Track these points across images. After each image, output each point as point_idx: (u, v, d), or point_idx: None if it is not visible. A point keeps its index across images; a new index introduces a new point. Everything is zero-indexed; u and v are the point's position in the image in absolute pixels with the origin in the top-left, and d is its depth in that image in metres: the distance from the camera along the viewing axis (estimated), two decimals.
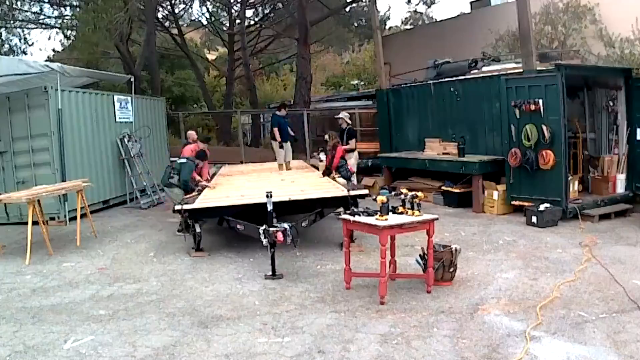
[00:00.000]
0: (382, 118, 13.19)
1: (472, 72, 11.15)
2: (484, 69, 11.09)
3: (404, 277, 5.64)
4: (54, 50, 22.76)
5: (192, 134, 10.08)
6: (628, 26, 10.50)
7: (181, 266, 6.50)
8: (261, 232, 5.87)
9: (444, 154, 10.37)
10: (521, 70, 9.58)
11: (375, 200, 5.09)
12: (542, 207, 8.03)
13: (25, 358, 4.06)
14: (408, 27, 28.41)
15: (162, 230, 8.72)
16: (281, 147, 10.66)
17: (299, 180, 8.65)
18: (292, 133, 11.09)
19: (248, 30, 23.93)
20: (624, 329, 4.17)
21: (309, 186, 7.96)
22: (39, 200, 7.33)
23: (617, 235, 7.31)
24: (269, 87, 29.93)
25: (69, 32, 19.21)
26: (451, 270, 5.45)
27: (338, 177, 8.39)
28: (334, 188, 7.59)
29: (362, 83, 25.64)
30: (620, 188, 9.09)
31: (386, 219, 4.97)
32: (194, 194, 7.79)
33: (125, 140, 11.45)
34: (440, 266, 5.37)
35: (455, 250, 5.50)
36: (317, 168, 10.60)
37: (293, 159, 11.47)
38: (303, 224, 6.65)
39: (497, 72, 10.09)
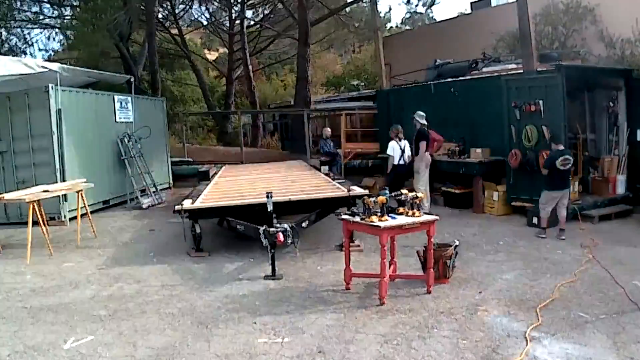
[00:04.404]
0: (382, 118, 13.16)
1: (472, 73, 11.15)
2: (485, 69, 11.09)
3: (404, 277, 5.64)
4: (53, 50, 22.79)
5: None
6: (628, 27, 10.50)
7: (181, 266, 6.50)
8: (261, 232, 5.87)
9: (444, 154, 10.36)
10: (521, 71, 9.59)
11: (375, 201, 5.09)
12: None
13: (25, 358, 4.05)
14: (408, 27, 28.41)
15: (162, 231, 8.72)
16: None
17: (299, 181, 8.65)
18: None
19: (248, 31, 23.95)
20: (624, 330, 4.17)
21: (309, 186, 7.96)
22: (39, 200, 7.33)
23: (617, 236, 7.31)
24: (269, 87, 29.94)
25: (69, 32, 19.26)
26: (450, 266, 5.46)
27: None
28: (334, 188, 7.59)
29: (362, 84, 25.62)
30: (621, 189, 9.08)
31: (386, 220, 4.98)
32: None
33: (125, 140, 11.45)
34: (442, 263, 5.38)
35: (456, 247, 5.53)
36: (318, 169, 10.60)
37: (294, 159, 11.64)
38: (303, 225, 6.65)
39: (497, 73, 10.10)
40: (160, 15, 21.42)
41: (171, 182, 14.32)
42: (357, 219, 5.14)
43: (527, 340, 4.02)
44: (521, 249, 6.84)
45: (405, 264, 6.11)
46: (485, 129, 9.88)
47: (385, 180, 10.30)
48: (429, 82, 11.74)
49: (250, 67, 22.43)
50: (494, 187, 9.24)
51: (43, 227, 7.44)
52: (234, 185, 8.71)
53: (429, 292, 5.16)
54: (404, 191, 5.31)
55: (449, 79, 11.24)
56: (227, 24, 25.29)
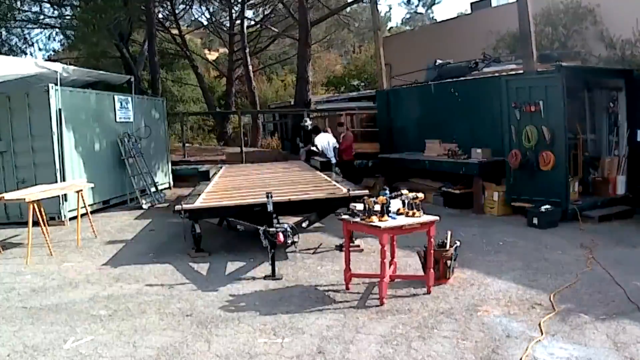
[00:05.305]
0: (382, 119, 13.18)
1: (472, 73, 11.15)
2: (485, 70, 11.09)
3: (404, 277, 5.64)
4: (54, 50, 22.80)
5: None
6: (629, 28, 10.50)
7: (181, 266, 6.50)
8: (261, 232, 5.87)
9: (444, 154, 10.37)
10: (521, 71, 9.59)
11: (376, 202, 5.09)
12: (543, 208, 8.02)
13: (25, 358, 4.05)
14: (408, 27, 28.44)
15: (162, 231, 8.72)
16: None
17: (299, 181, 8.64)
18: None
19: (248, 31, 23.94)
20: (624, 331, 4.16)
21: (309, 186, 7.95)
22: (39, 200, 7.33)
23: (617, 237, 7.30)
24: (269, 87, 29.96)
25: (69, 32, 19.28)
26: (450, 267, 5.47)
27: None
28: (334, 188, 7.59)
29: (362, 84, 25.64)
30: (621, 189, 9.07)
31: (386, 220, 4.98)
32: None
33: (126, 140, 11.46)
34: (443, 264, 5.38)
35: (456, 247, 5.53)
36: (318, 169, 10.59)
37: (294, 159, 11.94)
38: (303, 225, 6.65)
39: (497, 73, 10.10)
40: (160, 15, 21.44)
41: (171, 182, 14.33)
42: (357, 219, 5.14)
43: (527, 341, 4.02)
44: (521, 249, 6.84)
45: (405, 264, 6.12)
46: (486, 129, 9.90)
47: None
48: (429, 83, 11.75)
49: (250, 67, 22.41)
50: (494, 187, 9.24)
51: (43, 227, 7.44)
52: (234, 185, 8.70)
53: (429, 292, 5.16)
54: (404, 191, 5.30)
55: (449, 79, 11.24)
56: (227, 24, 25.30)
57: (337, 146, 11.83)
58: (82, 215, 8.31)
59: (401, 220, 5.05)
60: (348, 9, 21.27)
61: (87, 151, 10.37)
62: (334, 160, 11.47)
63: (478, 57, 11.89)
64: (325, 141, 11.79)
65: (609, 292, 5.06)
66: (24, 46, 20.06)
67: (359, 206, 5.23)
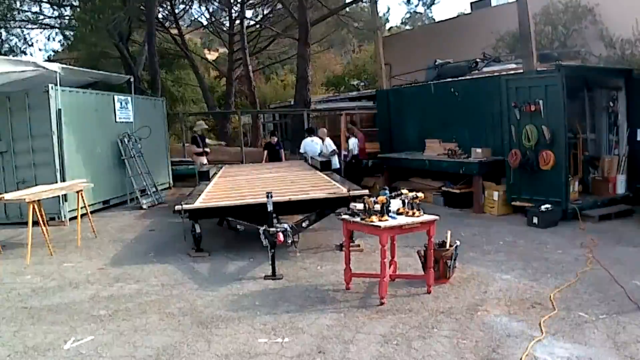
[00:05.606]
0: (382, 118, 13.18)
1: (472, 73, 11.16)
2: (485, 69, 11.10)
3: (404, 277, 5.64)
4: (53, 50, 22.84)
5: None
6: (628, 27, 10.50)
7: (181, 266, 6.50)
8: (261, 232, 5.87)
9: (444, 154, 10.36)
10: (521, 70, 9.59)
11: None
12: (543, 207, 8.02)
13: (25, 358, 4.05)
14: (408, 27, 28.46)
15: (162, 231, 8.72)
16: None
17: (299, 181, 8.64)
18: None
19: (248, 31, 23.94)
20: (624, 330, 4.16)
21: (308, 186, 7.95)
22: (39, 200, 7.33)
23: (617, 236, 7.30)
24: (269, 87, 29.94)
25: (68, 32, 19.30)
26: (450, 266, 5.47)
27: None
28: (334, 188, 7.58)
29: (362, 84, 25.63)
30: (621, 189, 9.08)
31: (386, 220, 4.98)
32: None
33: (125, 140, 11.45)
34: (442, 263, 5.38)
35: (456, 247, 5.53)
36: (317, 169, 10.59)
37: (294, 159, 12.04)
38: (303, 224, 6.65)
39: (497, 73, 10.10)
40: (160, 15, 21.44)
41: (171, 182, 14.33)
42: (357, 219, 5.14)
43: (527, 340, 4.02)
44: (521, 249, 6.84)
45: (405, 264, 6.11)
46: (485, 129, 9.89)
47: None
48: (429, 82, 11.75)
49: (250, 67, 22.40)
50: (494, 186, 9.24)
51: (43, 227, 7.44)
52: (234, 185, 8.70)
53: (429, 292, 5.16)
54: (404, 191, 5.31)
55: (449, 79, 11.24)
56: (227, 24, 25.30)
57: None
58: (82, 215, 8.32)
59: (401, 220, 5.05)
60: (348, 9, 21.25)
61: (87, 151, 10.37)
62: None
63: (478, 57, 11.90)
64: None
65: (609, 291, 5.06)
66: (24, 46, 20.11)
67: (359, 206, 5.23)
